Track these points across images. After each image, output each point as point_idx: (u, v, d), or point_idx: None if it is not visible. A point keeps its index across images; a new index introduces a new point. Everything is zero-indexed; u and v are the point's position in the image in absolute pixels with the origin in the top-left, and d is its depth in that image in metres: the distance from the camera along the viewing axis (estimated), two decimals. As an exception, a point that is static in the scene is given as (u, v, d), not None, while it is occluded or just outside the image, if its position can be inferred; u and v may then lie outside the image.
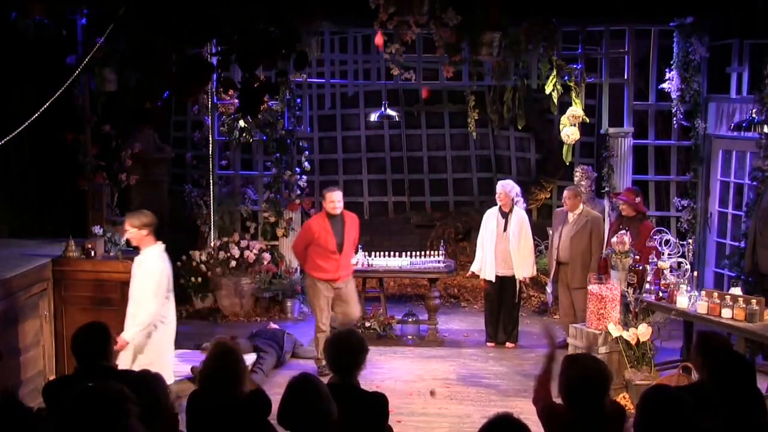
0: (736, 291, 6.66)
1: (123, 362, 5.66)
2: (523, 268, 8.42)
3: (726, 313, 6.49)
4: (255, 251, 9.54)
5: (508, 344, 8.55)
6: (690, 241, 7.74)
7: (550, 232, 8.78)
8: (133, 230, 5.98)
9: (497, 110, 10.87)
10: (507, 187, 8.45)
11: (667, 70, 9.56)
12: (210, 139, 9.76)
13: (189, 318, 9.54)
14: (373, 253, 8.82)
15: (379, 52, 8.80)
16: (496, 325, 8.60)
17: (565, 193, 8.27)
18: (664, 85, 9.56)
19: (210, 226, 9.83)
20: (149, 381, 3.81)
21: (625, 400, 6.51)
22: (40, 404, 4.51)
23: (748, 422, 3.64)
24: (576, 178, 9.45)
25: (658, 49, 9.65)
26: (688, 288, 6.93)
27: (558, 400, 3.87)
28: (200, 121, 10.23)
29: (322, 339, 7.28)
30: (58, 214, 8.15)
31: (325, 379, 3.81)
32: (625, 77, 9.71)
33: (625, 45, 9.65)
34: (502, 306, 8.56)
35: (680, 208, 9.74)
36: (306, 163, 10.07)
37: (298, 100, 9.85)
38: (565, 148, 9.57)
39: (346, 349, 4.04)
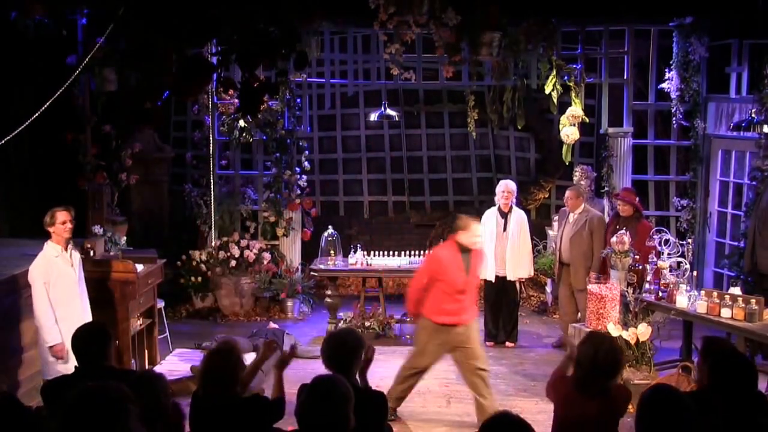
0: (736, 291, 6.67)
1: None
2: (522, 268, 8.43)
3: (725, 312, 6.49)
4: (255, 251, 9.56)
5: (507, 344, 8.55)
6: (689, 240, 7.74)
7: (550, 232, 8.79)
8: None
9: (497, 110, 10.88)
10: (512, 186, 8.46)
11: (666, 70, 9.57)
12: (210, 138, 9.77)
13: (189, 317, 9.57)
14: (372, 253, 8.83)
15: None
16: (496, 325, 8.61)
17: (567, 193, 8.28)
18: (664, 85, 9.57)
19: (210, 226, 9.83)
20: (151, 381, 3.81)
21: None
22: (39, 403, 4.51)
23: (750, 423, 3.64)
24: (575, 178, 9.46)
25: (658, 49, 9.66)
26: (688, 288, 6.93)
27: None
28: (200, 120, 10.25)
29: (404, 382, 6.38)
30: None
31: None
32: (625, 77, 9.72)
33: (625, 45, 9.65)
34: (502, 306, 8.56)
35: (680, 207, 9.75)
36: (306, 163, 10.08)
37: (298, 100, 9.86)
38: (564, 147, 9.58)
39: (343, 349, 4.05)
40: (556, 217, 9.25)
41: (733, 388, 3.71)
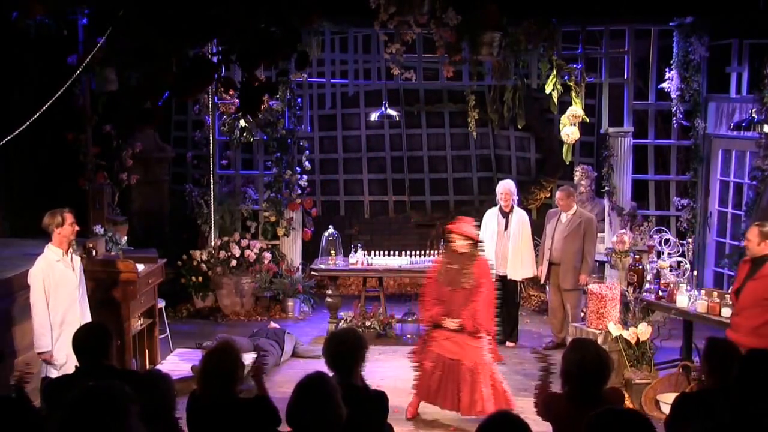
0: (736, 290, 6.67)
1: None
2: (524, 268, 8.43)
3: (725, 312, 6.48)
4: (255, 250, 9.56)
5: (508, 343, 8.55)
6: (690, 240, 7.75)
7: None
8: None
9: (497, 110, 10.86)
10: (512, 187, 8.47)
11: (666, 69, 9.57)
12: (211, 138, 9.77)
13: (190, 317, 9.58)
14: (372, 253, 8.84)
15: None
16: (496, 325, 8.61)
17: (559, 194, 8.30)
18: (664, 85, 9.57)
19: (210, 226, 9.84)
20: (154, 381, 3.81)
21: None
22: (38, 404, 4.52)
23: (757, 424, 3.61)
24: (576, 178, 9.47)
25: (658, 49, 9.66)
26: (688, 287, 6.94)
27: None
28: (201, 120, 10.25)
29: None
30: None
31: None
32: (625, 77, 9.71)
33: (625, 45, 9.65)
34: (503, 306, 8.56)
35: (680, 207, 9.75)
36: (306, 163, 10.08)
37: (299, 100, 9.86)
38: (565, 147, 9.58)
39: (344, 348, 4.05)
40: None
41: (740, 389, 3.68)
